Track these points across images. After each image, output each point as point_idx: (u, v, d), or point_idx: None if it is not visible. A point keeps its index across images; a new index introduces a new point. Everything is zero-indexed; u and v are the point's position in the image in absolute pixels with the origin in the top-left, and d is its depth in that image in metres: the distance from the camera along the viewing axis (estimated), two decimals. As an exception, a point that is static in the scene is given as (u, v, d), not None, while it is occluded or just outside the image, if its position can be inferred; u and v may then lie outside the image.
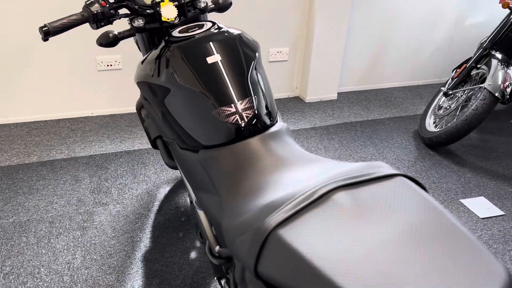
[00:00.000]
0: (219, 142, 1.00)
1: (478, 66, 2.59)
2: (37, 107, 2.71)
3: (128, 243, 1.79)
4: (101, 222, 1.89)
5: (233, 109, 0.99)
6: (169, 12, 1.30)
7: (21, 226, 1.85)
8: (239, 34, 1.11)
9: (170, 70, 1.07)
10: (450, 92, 2.66)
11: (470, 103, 2.54)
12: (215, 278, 1.37)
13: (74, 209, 1.96)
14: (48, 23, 1.14)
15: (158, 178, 2.22)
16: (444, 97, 2.74)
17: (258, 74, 1.08)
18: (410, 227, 0.59)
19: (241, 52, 1.06)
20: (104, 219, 1.91)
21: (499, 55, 2.50)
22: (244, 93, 1.02)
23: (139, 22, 1.30)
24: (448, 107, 2.69)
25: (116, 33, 1.33)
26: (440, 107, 2.78)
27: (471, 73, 2.65)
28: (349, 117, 3.03)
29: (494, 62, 2.46)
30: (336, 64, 3.14)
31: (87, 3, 1.18)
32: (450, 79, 2.72)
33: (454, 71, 2.77)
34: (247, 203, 0.79)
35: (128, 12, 1.33)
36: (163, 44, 1.18)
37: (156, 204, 2.03)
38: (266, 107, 1.06)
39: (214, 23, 1.17)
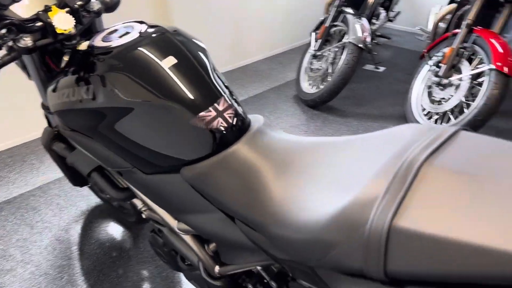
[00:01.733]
0: (206, 153, 0.87)
1: (336, 24, 2.80)
2: None
3: (63, 303, 1.50)
4: (17, 293, 1.55)
5: (214, 113, 0.87)
6: (64, 21, 1.07)
7: None
8: (178, 31, 0.97)
9: (109, 87, 0.88)
10: (318, 53, 2.84)
11: (338, 59, 2.75)
12: None
13: (-28, 290, 1.56)
14: None
15: (61, 220, 1.90)
16: (313, 59, 2.90)
17: (214, 68, 0.97)
18: None
19: (192, 49, 0.93)
20: (18, 287, 1.57)
21: (350, 10, 2.74)
22: (215, 93, 0.90)
23: (27, 41, 1.04)
24: (320, 67, 2.87)
25: None
26: (311, 69, 2.95)
27: (330, 32, 2.85)
28: (231, 99, 3.01)
29: (349, 17, 2.69)
30: (203, 50, 3.07)
31: None
32: (314, 41, 2.89)
33: (314, 33, 2.95)
34: (306, 211, 0.70)
35: (6, 31, 1.05)
36: (79, 59, 0.97)
37: (75, 248, 1.74)
38: (237, 102, 0.96)
39: (143, 22, 1.00)
